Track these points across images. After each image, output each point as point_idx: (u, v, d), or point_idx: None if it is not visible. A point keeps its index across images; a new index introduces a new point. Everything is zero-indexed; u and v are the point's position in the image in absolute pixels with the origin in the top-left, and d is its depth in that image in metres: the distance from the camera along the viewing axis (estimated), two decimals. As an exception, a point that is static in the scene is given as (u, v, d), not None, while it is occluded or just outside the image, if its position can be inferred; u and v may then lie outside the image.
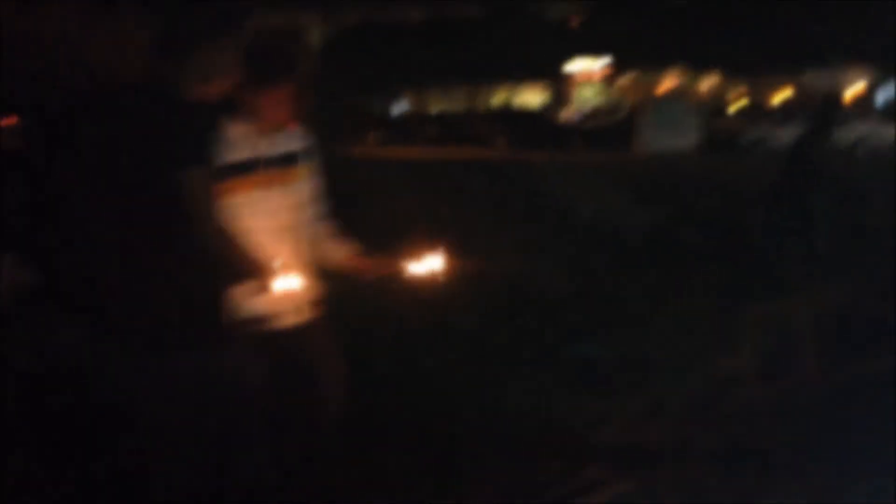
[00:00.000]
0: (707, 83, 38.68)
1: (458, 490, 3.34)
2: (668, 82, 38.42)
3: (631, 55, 36.73)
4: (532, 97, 39.59)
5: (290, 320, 2.75)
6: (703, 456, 3.56)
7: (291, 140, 2.79)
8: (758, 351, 4.27)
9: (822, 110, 7.22)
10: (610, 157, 21.72)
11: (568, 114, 32.90)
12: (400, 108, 40.02)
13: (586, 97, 38.11)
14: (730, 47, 33.43)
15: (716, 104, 32.93)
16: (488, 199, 11.33)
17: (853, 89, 35.99)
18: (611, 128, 27.89)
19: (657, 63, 37.23)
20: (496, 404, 4.12)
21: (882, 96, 35.50)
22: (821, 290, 4.92)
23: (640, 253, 7.82)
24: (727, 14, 33.50)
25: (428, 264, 2.74)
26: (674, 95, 33.44)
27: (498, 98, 40.04)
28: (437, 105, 39.74)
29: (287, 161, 2.78)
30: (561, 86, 38.94)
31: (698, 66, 37.50)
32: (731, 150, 24.46)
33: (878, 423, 3.34)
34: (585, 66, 39.16)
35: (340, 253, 2.88)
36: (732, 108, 32.89)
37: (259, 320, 2.64)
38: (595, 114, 31.76)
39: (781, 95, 36.92)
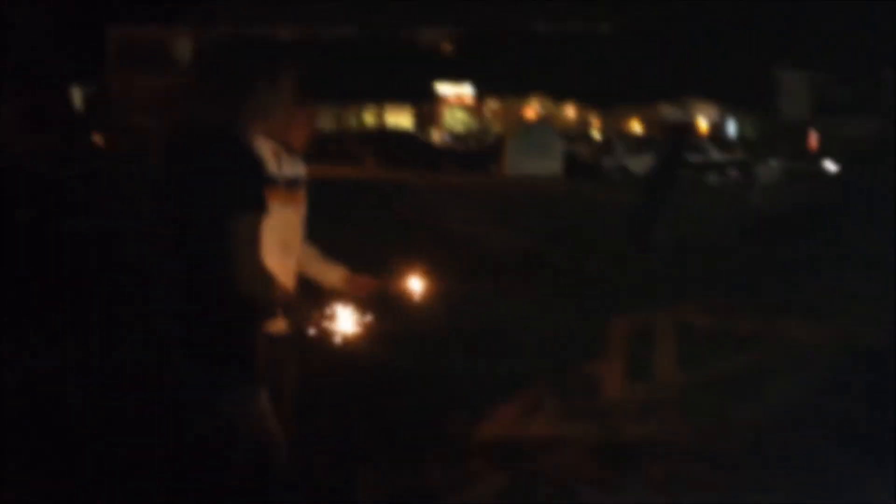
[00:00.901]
0: (568, 111, 40.32)
1: (348, 488, 3.56)
2: (531, 109, 39.76)
3: (496, 82, 37.91)
4: (402, 118, 40.10)
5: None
6: (577, 449, 3.92)
7: (297, 164, 2.95)
8: (624, 355, 4.70)
9: (671, 141, 7.87)
10: (480, 179, 22.33)
11: (439, 135, 33.54)
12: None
13: (456, 120, 39.02)
14: (587, 79, 35.22)
15: (578, 131, 34.37)
16: (359, 218, 11.46)
17: (703, 121, 38.32)
18: (481, 150, 28.65)
19: (521, 90, 38.60)
20: (383, 411, 4.34)
21: (730, 128, 37.95)
22: (679, 302, 5.43)
23: (513, 269, 8.18)
24: (585, 48, 35.26)
25: (413, 285, 2.89)
26: (540, 121, 34.61)
27: (369, 118, 40.37)
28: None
29: (295, 184, 2.94)
30: (431, 108, 39.62)
31: (558, 95, 39.08)
32: (593, 175, 25.58)
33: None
34: (455, 91, 40.01)
35: (336, 273, 2.97)
36: (594, 135, 34.40)
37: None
38: (465, 136, 32.50)
39: (637, 125, 38.87)
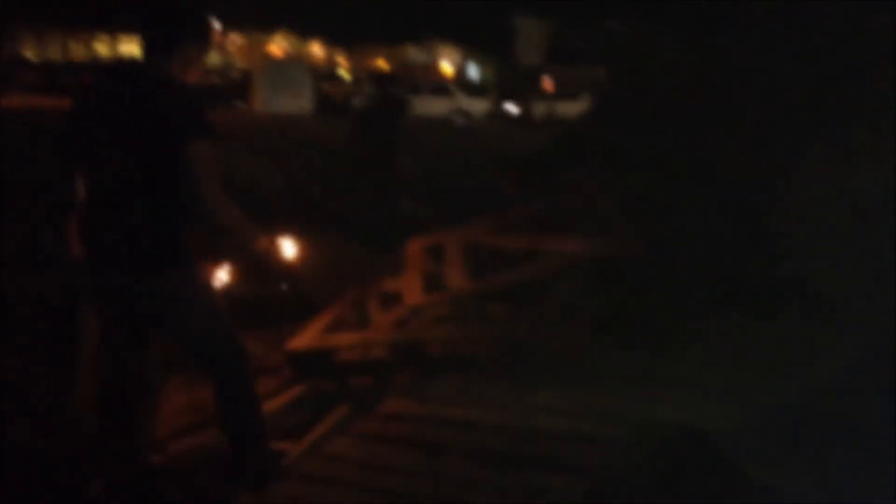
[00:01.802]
0: (315, 49, 40.06)
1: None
2: (277, 46, 39.08)
3: (241, 16, 36.86)
4: (136, 48, 37.97)
5: None
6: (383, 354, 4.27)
7: None
8: (421, 270, 5.10)
9: (377, 83, 7.87)
10: (230, 115, 21.84)
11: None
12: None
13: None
14: (333, 17, 35.18)
15: (326, 69, 34.37)
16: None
17: (447, 64, 39.60)
18: (226, 86, 27.86)
19: (266, 26, 37.79)
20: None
21: (472, 72, 39.52)
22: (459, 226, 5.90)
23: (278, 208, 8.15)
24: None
25: (288, 248, 3.23)
26: (288, 58, 34.15)
27: (101, 48, 37.84)
28: (38, 51, 36.52)
29: None
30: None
31: (304, 32, 38.72)
32: (343, 113, 25.80)
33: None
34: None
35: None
36: (342, 74, 34.55)
37: None
38: (208, 71, 31.37)
39: (384, 65, 39.45)
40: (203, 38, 2.97)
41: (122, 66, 3.14)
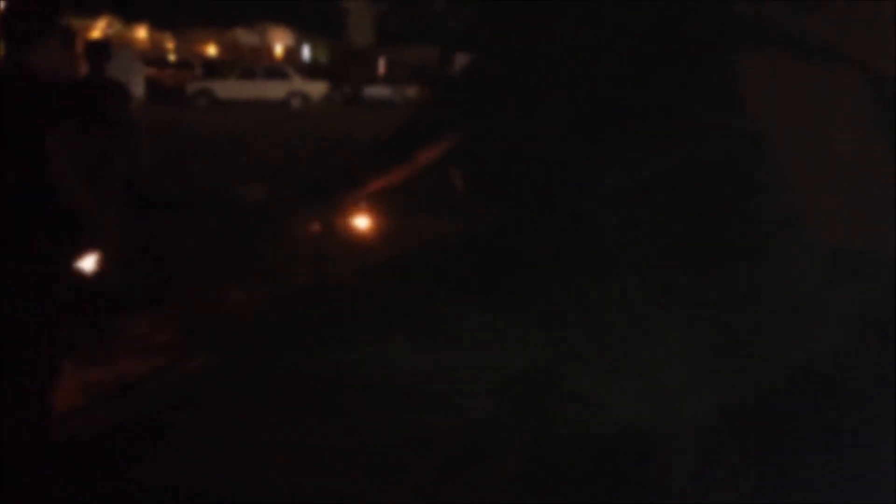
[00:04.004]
0: (140, 33, 38.73)
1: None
2: (99, 31, 37.50)
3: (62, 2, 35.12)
4: None
5: None
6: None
7: None
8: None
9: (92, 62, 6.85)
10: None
11: None
12: None
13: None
14: (158, 1, 34.16)
15: (154, 55, 33.38)
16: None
17: (279, 46, 39.22)
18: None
19: (88, 11, 36.21)
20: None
21: (306, 55, 39.32)
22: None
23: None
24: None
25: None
26: (119, 44, 32.89)
27: None
28: None
29: None
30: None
31: (128, 16, 37.35)
32: (175, 100, 25.31)
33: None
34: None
35: None
36: (170, 59, 33.65)
37: None
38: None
39: (213, 49, 38.64)
40: (60, 31, 3.06)
41: None
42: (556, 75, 5.33)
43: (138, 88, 24.53)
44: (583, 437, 3.12)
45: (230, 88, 26.79)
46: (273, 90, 26.92)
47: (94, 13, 36.24)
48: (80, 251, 3.07)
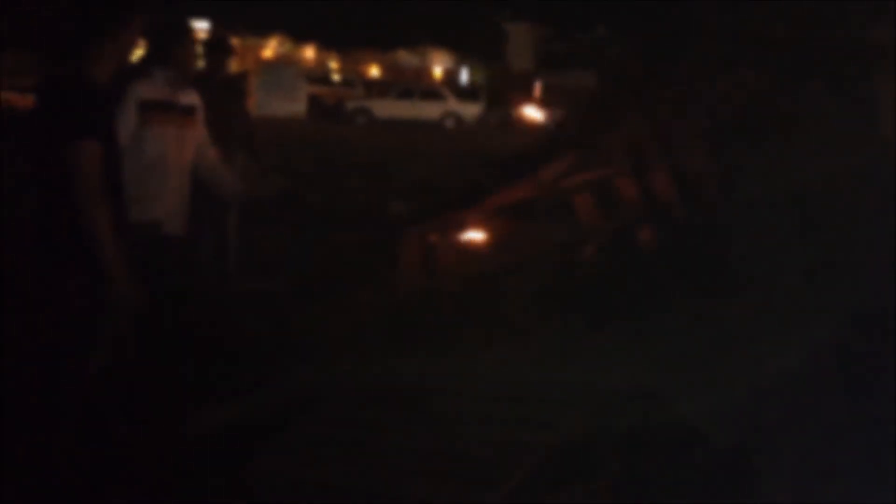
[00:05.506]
0: (307, 52, 40.46)
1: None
2: (270, 49, 39.44)
3: (235, 20, 37.22)
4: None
5: None
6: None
7: (192, 94, 3.58)
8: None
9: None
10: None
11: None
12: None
13: (193, 58, 37.82)
14: (327, 22, 35.58)
15: (318, 73, 34.76)
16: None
17: (438, 68, 40.05)
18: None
19: (260, 30, 38.17)
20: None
21: (464, 77, 39.97)
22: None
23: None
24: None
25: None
26: (280, 62, 34.53)
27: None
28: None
29: (191, 110, 3.63)
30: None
31: (298, 36, 39.10)
32: (335, 117, 26.23)
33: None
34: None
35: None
36: (334, 78, 34.95)
37: None
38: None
39: (376, 70, 39.85)
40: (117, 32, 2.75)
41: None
42: (697, 87, 5.26)
43: (300, 104, 25.66)
44: (679, 464, 3.00)
45: (387, 107, 27.51)
46: (428, 110, 27.45)
47: (266, 33, 38.22)
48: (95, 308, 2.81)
